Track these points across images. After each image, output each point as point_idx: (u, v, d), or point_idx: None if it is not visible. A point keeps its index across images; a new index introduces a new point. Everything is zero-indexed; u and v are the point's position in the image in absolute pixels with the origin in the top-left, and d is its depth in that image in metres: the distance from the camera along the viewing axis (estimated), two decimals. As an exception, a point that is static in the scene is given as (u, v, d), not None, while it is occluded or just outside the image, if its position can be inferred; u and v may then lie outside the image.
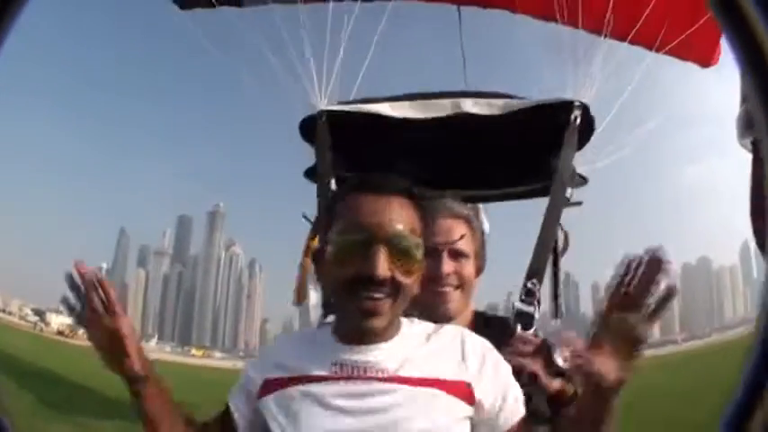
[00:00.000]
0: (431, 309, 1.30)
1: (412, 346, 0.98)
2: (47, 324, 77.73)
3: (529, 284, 1.46)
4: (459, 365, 0.97)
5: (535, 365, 1.20)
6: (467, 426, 0.94)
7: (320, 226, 0.98)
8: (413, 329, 1.02)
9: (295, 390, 0.96)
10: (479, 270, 1.45)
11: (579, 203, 1.67)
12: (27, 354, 22.68)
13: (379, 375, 0.93)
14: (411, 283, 0.95)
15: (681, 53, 2.36)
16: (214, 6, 2.11)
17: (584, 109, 1.68)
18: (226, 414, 1.06)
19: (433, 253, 1.29)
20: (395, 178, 0.99)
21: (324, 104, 1.68)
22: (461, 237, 1.38)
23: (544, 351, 1.23)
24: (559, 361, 1.21)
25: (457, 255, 1.38)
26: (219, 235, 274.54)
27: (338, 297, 0.97)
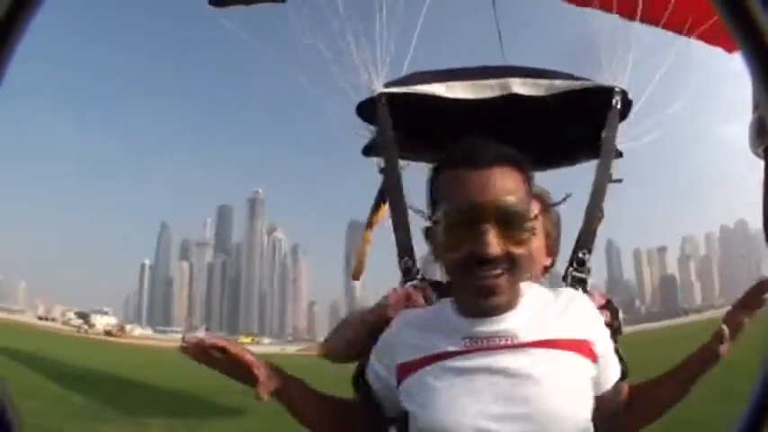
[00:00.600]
0: None
1: (536, 310, 0.99)
2: (91, 326, 78.82)
3: (580, 254, 1.52)
4: (580, 326, 0.99)
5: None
6: (588, 380, 0.97)
7: (428, 204, 0.98)
8: (534, 293, 1.02)
9: (432, 367, 0.96)
10: (551, 249, 1.61)
11: (620, 180, 1.77)
12: (72, 357, 22.82)
13: (511, 342, 0.94)
14: (526, 252, 0.94)
15: (709, 38, 2.29)
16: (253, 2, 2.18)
17: (624, 94, 1.79)
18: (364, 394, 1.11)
19: None
20: (495, 146, 0.96)
21: (380, 86, 1.77)
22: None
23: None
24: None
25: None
26: (261, 221, 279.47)
27: (455, 277, 0.97)
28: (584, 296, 1.09)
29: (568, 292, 1.07)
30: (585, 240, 1.53)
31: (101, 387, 13.40)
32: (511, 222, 0.90)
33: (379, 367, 1.05)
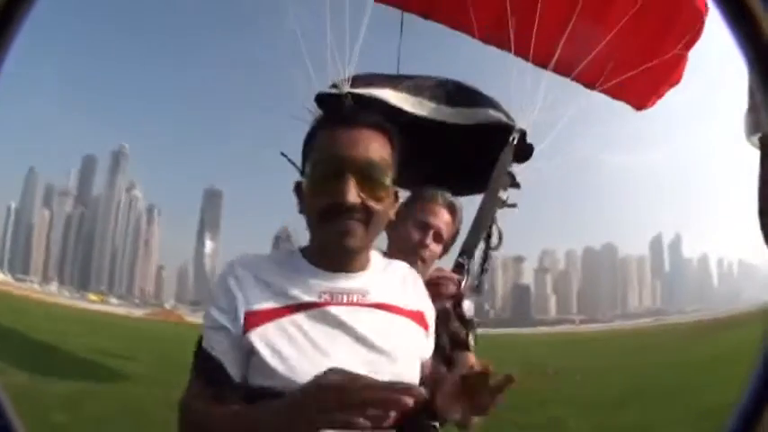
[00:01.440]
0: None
1: (382, 275, 1.14)
2: None
3: (459, 259, 1.88)
4: (417, 298, 1.17)
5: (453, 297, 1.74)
6: (422, 346, 1.16)
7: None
8: (378, 260, 1.18)
9: (290, 318, 1.02)
10: (442, 254, 1.88)
11: (514, 205, 2.06)
12: None
13: (364, 301, 1.07)
14: (383, 209, 1.05)
15: (617, 94, 2.53)
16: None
17: (522, 134, 2.10)
18: (206, 365, 1.04)
19: (423, 227, 1.79)
20: (365, 112, 1.12)
21: (346, 84, 1.95)
22: (446, 224, 1.81)
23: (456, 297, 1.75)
24: (465, 307, 1.73)
25: (436, 236, 1.81)
26: (122, 177, 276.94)
27: (315, 225, 1.06)
28: (417, 273, 1.24)
29: (404, 266, 1.23)
30: (466, 250, 1.94)
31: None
32: (370, 177, 1.01)
33: (222, 318, 1.03)
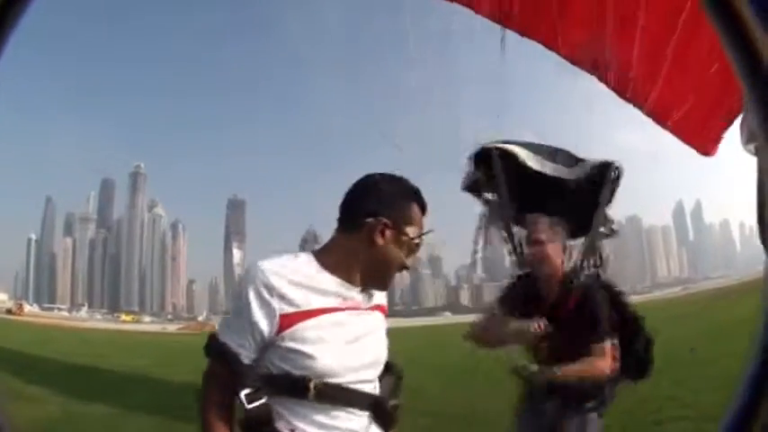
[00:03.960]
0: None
1: None
2: None
3: (589, 260, 2.61)
4: (378, 296, 1.45)
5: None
6: None
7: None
8: None
9: (320, 319, 1.27)
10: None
11: (615, 233, 2.65)
12: None
13: (366, 306, 1.39)
14: None
15: (685, 136, 2.76)
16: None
17: (620, 169, 2.52)
18: (220, 360, 1.28)
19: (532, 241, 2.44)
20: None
21: (492, 141, 2.47)
22: (545, 233, 2.39)
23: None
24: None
25: (536, 242, 2.40)
26: (142, 197, 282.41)
27: (390, 267, 1.39)
28: None
29: None
30: (574, 270, 2.49)
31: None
32: None
33: (260, 316, 1.23)
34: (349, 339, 1.30)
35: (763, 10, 0.50)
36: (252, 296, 1.24)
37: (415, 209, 1.39)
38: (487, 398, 6.21)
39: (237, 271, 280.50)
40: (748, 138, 1.35)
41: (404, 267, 1.38)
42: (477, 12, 2.90)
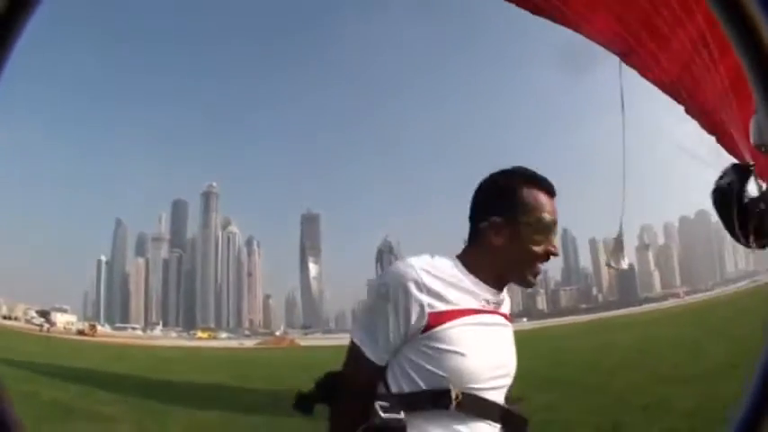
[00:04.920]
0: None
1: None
2: (52, 324, 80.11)
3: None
4: (507, 302, 1.42)
5: None
6: None
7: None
8: None
9: (463, 320, 1.25)
10: None
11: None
12: (38, 355, 22.07)
13: (502, 311, 1.37)
14: None
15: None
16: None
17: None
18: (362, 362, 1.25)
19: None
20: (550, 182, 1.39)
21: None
22: None
23: None
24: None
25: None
26: (215, 215, 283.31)
27: (521, 263, 1.33)
28: None
29: None
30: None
31: (72, 384, 12.91)
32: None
33: (407, 313, 1.21)
34: (493, 343, 1.30)
35: None
36: (400, 292, 1.22)
37: (531, 193, 1.33)
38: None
39: (314, 285, 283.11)
40: (759, 137, 1.31)
41: (541, 258, 1.33)
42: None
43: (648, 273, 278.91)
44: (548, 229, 1.31)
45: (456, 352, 1.20)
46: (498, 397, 1.28)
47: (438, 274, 1.26)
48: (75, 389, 11.96)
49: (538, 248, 1.31)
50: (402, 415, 1.17)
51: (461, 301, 1.25)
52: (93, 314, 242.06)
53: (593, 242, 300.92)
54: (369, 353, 1.24)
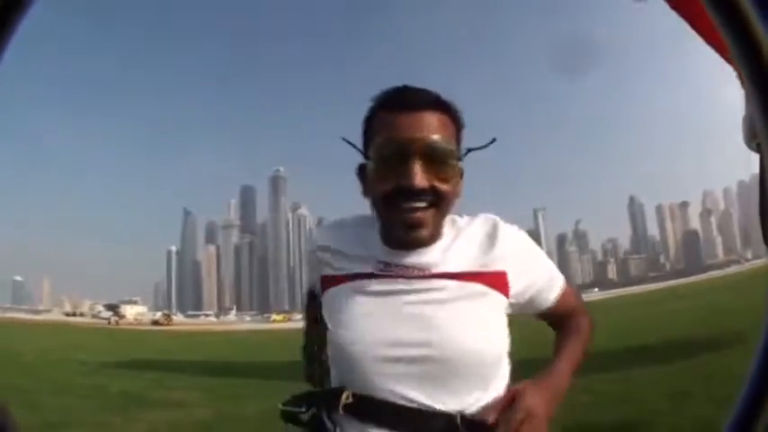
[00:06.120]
0: None
1: (454, 243, 1.05)
2: (121, 317, 77.12)
3: None
4: (498, 257, 1.04)
5: None
6: (503, 314, 1.03)
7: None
8: (454, 225, 1.08)
9: (346, 286, 1.04)
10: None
11: None
12: (105, 349, 20.90)
13: (427, 273, 1.01)
14: (451, 189, 1.00)
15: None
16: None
17: None
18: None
19: None
20: (426, 91, 1.03)
21: None
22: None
23: None
24: None
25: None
26: (284, 199, 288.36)
27: (382, 210, 1.01)
28: (505, 224, 1.08)
29: (488, 220, 1.09)
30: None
31: (143, 374, 12.38)
32: (436, 159, 0.97)
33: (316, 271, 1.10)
34: (384, 315, 0.99)
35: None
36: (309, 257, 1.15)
37: (378, 118, 1.03)
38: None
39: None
40: (750, 134, 1.32)
41: (390, 197, 0.97)
42: None
43: (711, 239, 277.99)
44: (390, 156, 0.97)
45: (329, 326, 1.03)
46: (412, 390, 0.94)
47: (335, 242, 1.09)
48: (146, 378, 11.44)
49: (386, 186, 0.97)
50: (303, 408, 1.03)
51: (348, 265, 1.05)
52: (165, 304, 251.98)
53: (659, 209, 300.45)
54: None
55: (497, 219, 1.09)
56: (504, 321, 1.03)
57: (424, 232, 0.99)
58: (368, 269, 1.03)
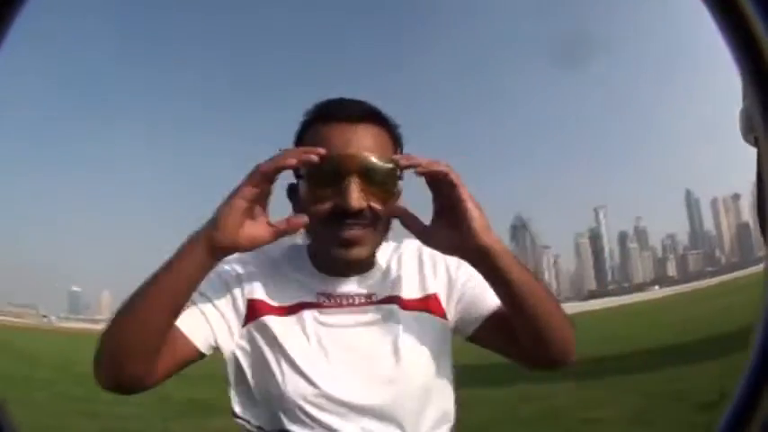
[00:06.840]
0: None
1: (389, 269, 1.02)
2: None
3: None
4: (428, 278, 1.02)
5: None
6: (448, 338, 1.01)
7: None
8: (388, 251, 1.04)
9: (284, 318, 0.94)
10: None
11: None
12: None
13: (364, 302, 0.97)
14: (389, 210, 0.93)
15: None
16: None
17: None
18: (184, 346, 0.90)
19: None
20: (362, 103, 0.97)
21: None
22: None
23: None
24: None
25: None
26: None
27: (317, 232, 0.94)
28: (427, 248, 0.97)
29: (414, 244, 1.03)
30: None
31: (206, 382, 9.57)
32: (374, 178, 0.89)
33: (223, 299, 0.95)
34: (329, 349, 0.93)
35: None
36: (214, 278, 0.96)
37: (313, 131, 0.95)
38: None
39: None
40: (747, 128, 1.30)
41: (326, 219, 0.90)
42: None
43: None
44: (324, 175, 0.88)
45: (256, 357, 0.94)
46: (372, 425, 0.90)
47: (265, 265, 0.99)
48: (211, 386, 11.66)
49: (320, 207, 0.90)
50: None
51: (282, 295, 0.96)
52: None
53: (714, 202, 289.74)
54: None
55: (419, 243, 0.97)
56: (449, 346, 1.02)
57: (362, 251, 0.93)
58: (309, 298, 0.96)
